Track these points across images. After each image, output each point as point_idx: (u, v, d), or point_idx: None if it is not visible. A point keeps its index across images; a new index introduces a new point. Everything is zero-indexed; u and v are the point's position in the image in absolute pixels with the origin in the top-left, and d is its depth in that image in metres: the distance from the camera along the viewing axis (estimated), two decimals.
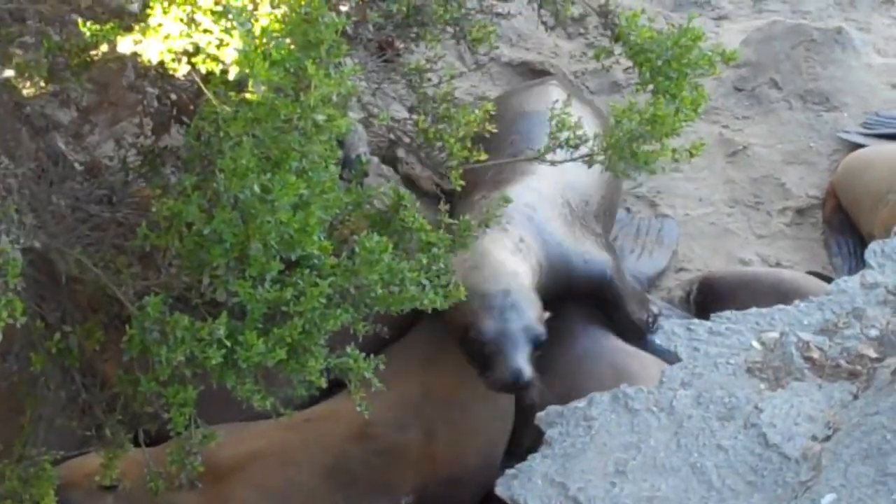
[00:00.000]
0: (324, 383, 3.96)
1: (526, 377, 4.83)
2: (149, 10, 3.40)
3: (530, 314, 5.14)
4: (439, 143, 5.00)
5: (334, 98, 3.68)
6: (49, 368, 4.10)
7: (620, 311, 5.83)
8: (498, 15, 5.61)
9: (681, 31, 4.66)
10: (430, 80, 5.24)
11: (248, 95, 3.59)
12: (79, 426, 4.24)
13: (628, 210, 6.80)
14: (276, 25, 3.42)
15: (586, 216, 5.93)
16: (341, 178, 4.24)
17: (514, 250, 5.40)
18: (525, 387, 4.93)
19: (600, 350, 5.76)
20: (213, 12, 3.36)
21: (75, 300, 4.12)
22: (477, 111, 5.05)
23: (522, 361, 4.88)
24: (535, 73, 7.45)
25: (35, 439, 4.14)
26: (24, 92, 3.67)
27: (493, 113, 4.99)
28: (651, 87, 4.64)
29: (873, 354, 4.68)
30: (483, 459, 5.53)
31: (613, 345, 5.78)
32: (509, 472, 4.52)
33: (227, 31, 3.36)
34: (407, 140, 5.22)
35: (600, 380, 5.29)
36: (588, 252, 5.77)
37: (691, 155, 4.86)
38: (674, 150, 4.77)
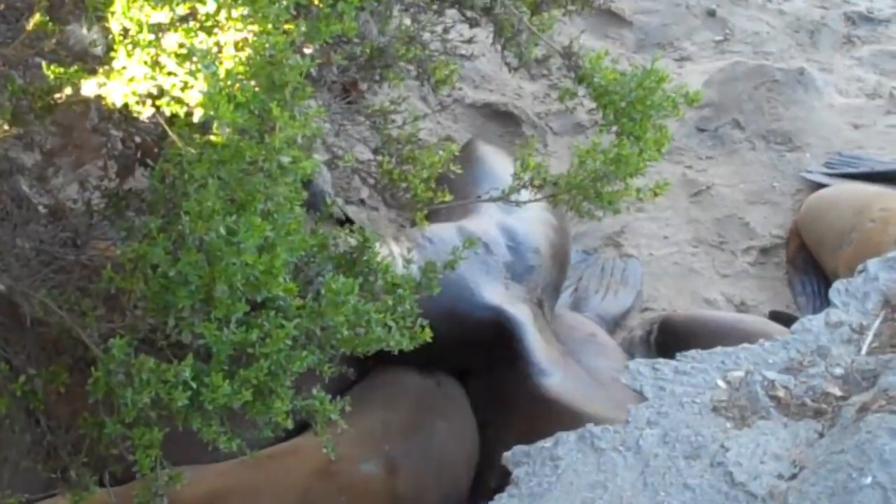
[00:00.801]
0: (290, 424, 3.97)
1: None
2: (112, 53, 3.41)
3: None
4: (404, 184, 5.02)
5: (299, 140, 3.70)
6: (14, 411, 4.10)
7: None
8: (461, 56, 5.64)
9: (644, 73, 4.68)
10: (393, 121, 5.26)
11: (212, 137, 3.60)
12: (44, 469, 4.24)
13: (595, 251, 6.81)
14: (241, 68, 3.43)
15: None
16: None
17: None
18: None
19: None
20: (177, 55, 3.37)
21: (40, 342, 4.13)
22: (441, 152, 5.08)
23: None
24: (498, 114, 7.49)
25: (0, 482, 4.13)
26: None
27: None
28: (615, 128, 4.66)
29: (838, 393, 4.70)
30: (445, 495, 5.54)
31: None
32: None
33: (191, 73, 3.37)
34: (371, 181, 5.23)
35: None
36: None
37: (655, 194, 4.90)
38: (638, 190, 4.82)
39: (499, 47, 5.25)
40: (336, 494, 5.30)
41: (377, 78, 5.16)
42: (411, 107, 5.39)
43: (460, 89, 6.90)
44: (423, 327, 4.28)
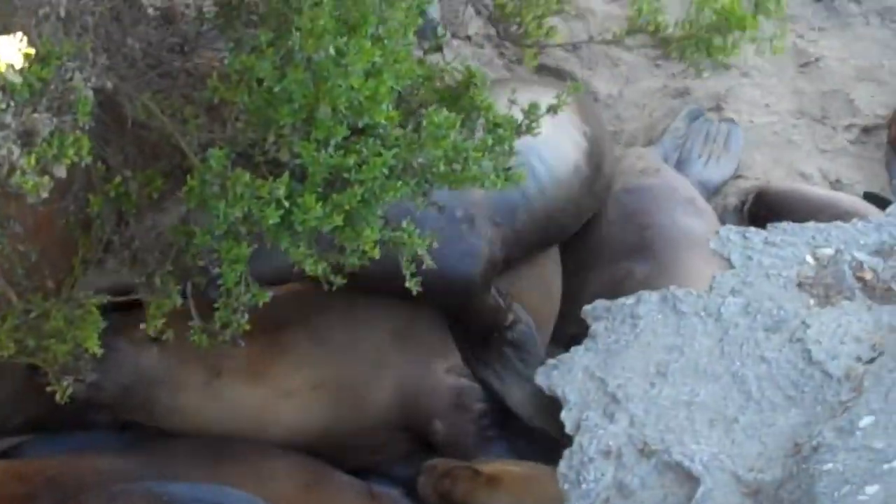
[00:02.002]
0: (377, 254, 3.98)
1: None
2: None
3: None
4: (517, 19, 5.00)
5: None
6: (105, 211, 4.12)
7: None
8: None
9: None
10: None
11: None
12: (129, 272, 4.26)
13: (704, 116, 6.74)
14: None
15: None
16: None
17: None
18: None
19: None
20: None
21: (139, 146, 4.14)
22: None
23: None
24: None
25: (84, 282, 4.17)
26: None
27: None
28: None
29: None
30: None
31: None
32: (550, 362, 4.54)
33: None
34: (485, 13, 5.20)
35: None
36: None
37: (774, 52, 4.85)
38: (754, 39, 4.75)
39: None
40: (430, 323, 5.36)
41: None
42: None
43: None
44: (519, 169, 4.27)
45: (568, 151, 5.48)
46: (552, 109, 4.60)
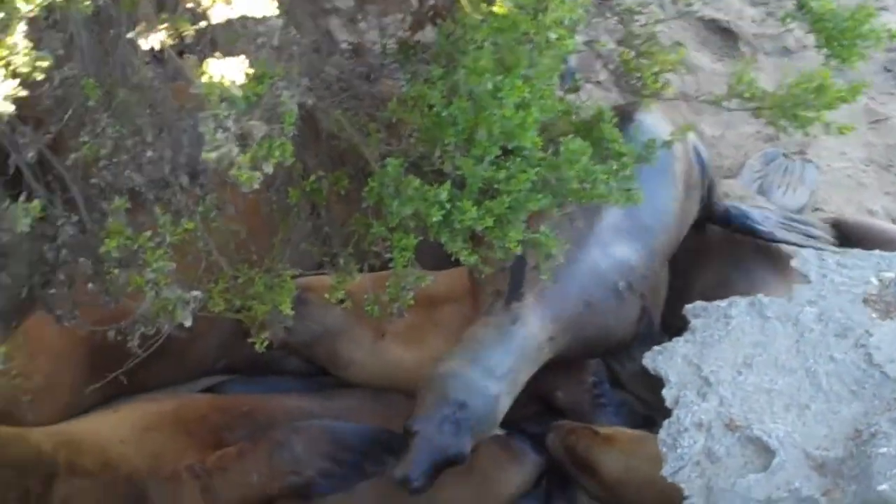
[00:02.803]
0: (519, 250, 3.97)
1: (412, 485, 4.46)
2: None
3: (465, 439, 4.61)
4: (637, 74, 4.96)
5: (566, 21, 3.65)
6: (301, 203, 4.17)
7: None
8: None
9: (857, 7, 4.56)
10: (637, 20, 5.15)
11: (495, 8, 3.57)
12: (317, 252, 4.31)
13: (785, 155, 6.68)
14: None
15: None
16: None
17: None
18: (409, 490, 4.51)
19: None
20: None
21: (330, 152, 4.19)
22: (673, 55, 5.00)
23: (420, 471, 4.49)
24: (721, 30, 7.35)
25: (282, 256, 4.21)
26: None
27: None
28: (825, 51, 4.52)
29: None
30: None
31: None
32: (656, 348, 4.51)
33: None
34: (611, 67, 5.16)
35: None
36: None
37: (841, 132, 4.79)
38: (828, 124, 4.69)
39: None
40: None
41: None
42: (652, 11, 5.27)
43: (692, 4, 6.74)
44: (637, 192, 4.25)
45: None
46: (667, 145, 4.57)
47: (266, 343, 4.12)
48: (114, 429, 4.79)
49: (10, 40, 2.93)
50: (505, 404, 4.72)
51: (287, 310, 4.06)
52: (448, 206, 3.81)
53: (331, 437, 4.72)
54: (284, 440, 4.68)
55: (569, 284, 4.88)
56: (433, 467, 4.48)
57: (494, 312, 4.81)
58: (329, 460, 4.67)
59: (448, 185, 3.82)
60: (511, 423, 5.22)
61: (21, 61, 2.96)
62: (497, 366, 4.68)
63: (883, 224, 6.36)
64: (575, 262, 4.83)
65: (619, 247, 4.99)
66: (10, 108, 2.95)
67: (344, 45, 4.38)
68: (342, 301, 4.21)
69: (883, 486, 3.79)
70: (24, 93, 2.97)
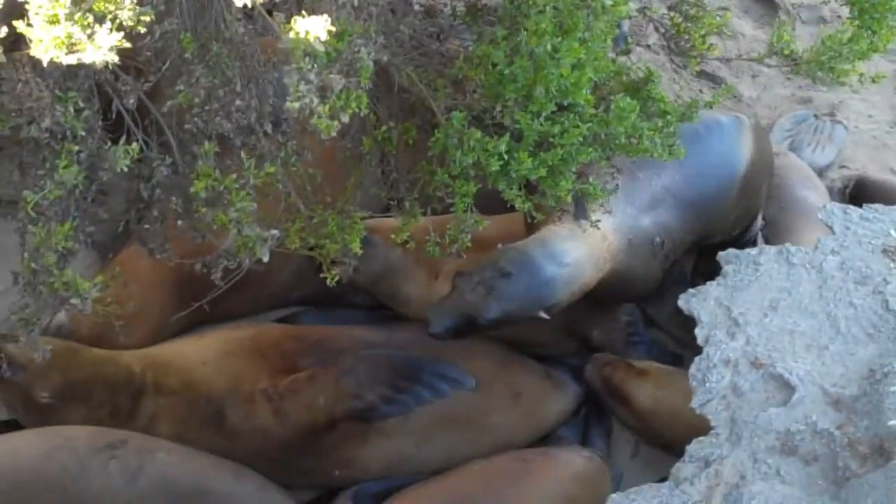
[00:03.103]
0: (569, 199, 3.99)
1: (430, 331, 4.45)
2: None
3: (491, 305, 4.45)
4: (686, 36, 4.96)
5: None
6: (373, 150, 4.19)
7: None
8: None
9: None
10: None
11: None
12: (386, 196, 4.33)
13: (816, 116, 6.65)
14: None
15: None
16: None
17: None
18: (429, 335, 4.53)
19: None
20: None
21: (400, 105, 4.19)
22: (719, 18, 5.00)
23: (440, 323, 4.47)
24: (762, 0, 7.30)
25: (353, 199, 4.23)
26: None
27: None
28: (857, 22, 4.51)
29: None
30: None
31: None
32: (691, 290, 4.52)
33: None
34: (662, 31, 5.16)
35: None
36: None
37: (873, 81, 4.80)
38: (861, 74, 4.68)
39: None
40: None
41: None
42: None
43: None
44: (679, 146, 4.25)
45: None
46: (709, 105, 4.58)
47: (336, 278, 4.16)
48: (197, 353, 4.84)
49: None
50: (557, 293, 4.52)
51: (356, 248, 4.09)
52: (506, 156, 3.83)
53: (391, 366, 4.75)
54: (350, 368, 4.71)
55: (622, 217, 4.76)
56: (454, 322, 4.44)
57: (564, 221, 4.58)
58: (389, 387, 4.70)
59: (507, 137, 3.83)
60: (552, 357, 5.29)
61: (126, 15, 3.00)
62: (564, 254, 4.49)
63: None
64: (628, 204, 4.77)
65: (664, 210, 4.92)
66: (114, 58, 2.99)
67: (417, 7, 4.37)
68: (406, 242, 4.23)
69: (893, 422, 3.79)
70: (127, 44, 3.00)
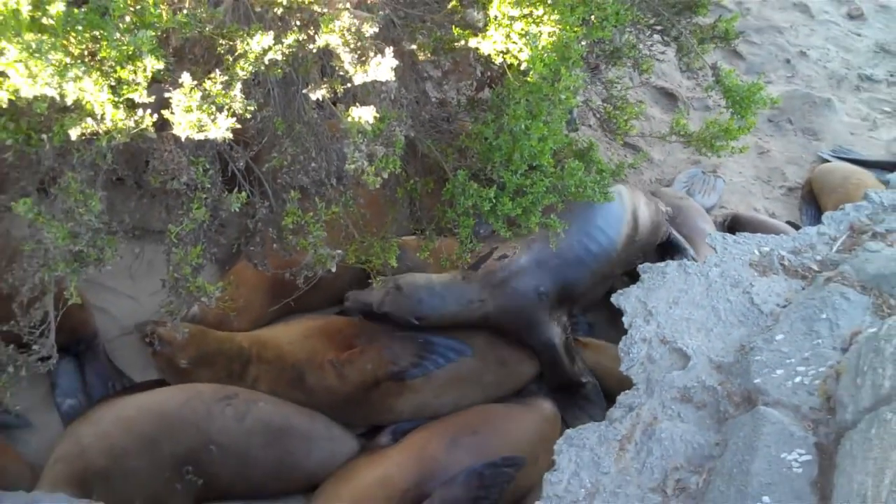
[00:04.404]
0: (537, 229, 3.97)
1: (346, 307, 4.76)
2: (487, 27, 3.38)
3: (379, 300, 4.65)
4: (615, 121, 4.96)
5: (571, 88, 3.65)
6: (404, 197, 4.18)
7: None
8: (656, 59, 5.42)
9: (751, 84, 4.53)
10: (615, 87, 5.14)
11: (528, 79, 3.57)
12: (413, 227, 4.31)
13: (703, 172, 6.65)
14: (549, 46, 3.37)
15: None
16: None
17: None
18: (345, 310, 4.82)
19: None
20: (519, 34, 3.33)
21: (423, 166, 4.20)
22: (637, 108, 5.00)
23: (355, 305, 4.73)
24: (667, 94, 7.30)
25: (390, 230, 4.22)
26: (420, 57, 3.69)
27: None
28: (731, 109, 4.51)
29: (816, 268, 4.54)
30: None
31: None
32: (619, 291, 4.50)
33: (525, 44, 3.32)
34: (598, 116, 5.15)
35: None
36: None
37: (741, 151, 4.78)
38: (732, 148, 4.68)
39: (676, 58, 5.07)
40: None
41: (611, 63, 5.04)
42: (624, 82, 5.25)
43: (650, 77, 6.71)
44: (611, 195, 4.24)
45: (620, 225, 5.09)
46: (631, 166, 4.57)
47: (380, 283, 4.17)
48: (286, 335, 4.84)
49: (231, 93, 2.98)
50: (425, 311, 4.60)
51: (393, 263, 4.09)
52: (494, 200, 3.84)
53: (417, 342, 4.76)
54: (388, 344, 4.73)
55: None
56: (360, 305, 4.71)
57: (454, 270, 4.62)
58: (416, 356, 4.71)
59: (494, 187, 3.84)
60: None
61: (237, 106, 3.01)
62: (436, 287, 4.56)
63: (763, 217, 6.32)
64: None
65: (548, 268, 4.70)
66: (229, 135, 3.01)
67: (433, 99, 4.37)
68: (426, 258, 4.23)
69: (757, 380, 3.77)
70: (238, 125, 3.02)
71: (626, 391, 4.09)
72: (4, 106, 2.77)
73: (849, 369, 3.55)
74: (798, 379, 3.78)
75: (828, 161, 6.99)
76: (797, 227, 5.88)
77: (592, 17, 3.62)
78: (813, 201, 6.59)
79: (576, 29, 3.44)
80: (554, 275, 4.66)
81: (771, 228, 5.71)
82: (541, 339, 4.77)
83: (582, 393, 4.94)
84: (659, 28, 4.91)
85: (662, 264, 4.61)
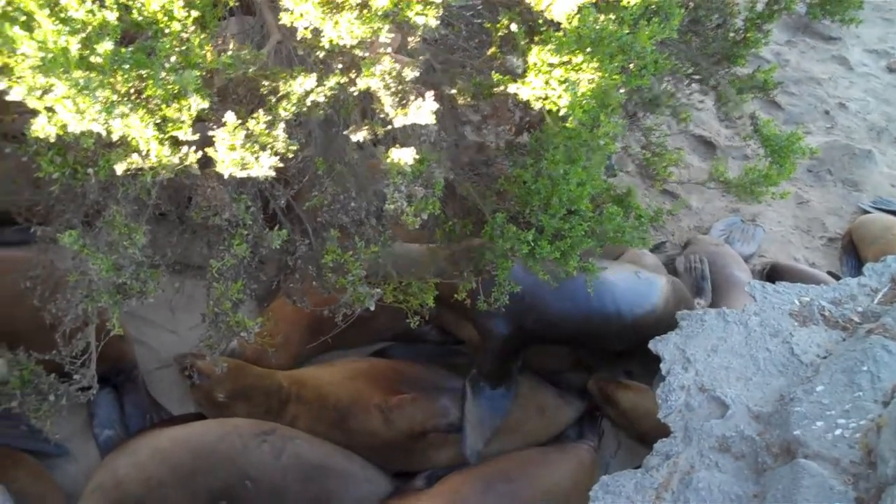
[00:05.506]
0: (574, 274, 3.91)
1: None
2: (526, 74, 3.35)
3: None
4: (653, 166, 4.90)
5: (610, 134, 3.60)
6: (443, 238, 4.15)
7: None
8: (694, 108, 5.38)
9: (790, 133, 4.46)
10: (654, 133, 5.09)
11: (567, 124, 3.53)
12: (451, 269, 4.26)
13: (742, 220, 6.56)
14: (589, 93, 3.33)
15: None
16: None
17: None
18: None
19: None
20: (559, 81, 3.29)
21: (462, 208, 4.16)
22: (675, 155, 4.95)
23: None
24: (706, 142, 7.24)
25: (429, 270, 4.20)
26: (459, 101, 3.67)
27: None
28: (770, 159, 4.44)
29: (857, 320, 4.44)
30: None
31: None
32: (658, 337, 4.43)
33: (565, 90, 3.28)
34: (636, 162, 5.11)
35: None
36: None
37: (781, 198, 4.70)
38: (773, 194, 4.60)
39: (714, 107, 5.01)
40: None
41: (649, 110, 5.00)
42: (663, 129, 5.21)
43: (688, 125, 6.66)
44: (650, 239, 4.19)
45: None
46: (669, 212, 4.51)
47: (417, 323, 4.13)
48: (328, 375, 4.82)
49: (274, 132, 2.97)
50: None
51: (431, 303, 4.06)
52: (532, 244, 3.78)
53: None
54: (439, 396, 4.71)
55: None
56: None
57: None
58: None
59: (533, 231, 3.78)
60: (558, 373, 5.27)
61: (280, 146, 3.01)
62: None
63: (803, 267, 6.24)
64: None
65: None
66: (271, 173, 3.00)
67: (473, 143, 4.36)
68: (464, 298, 4.19)
69: (796, 432, 3.68)
70: (280, 164, 3.01)
71: (663, 439, 4.00)
72: (52, 140, 2.78)
73: (890, 423, 3.44)
74: (838, 431, 3.67)
75: (868, 212, 6.88)
76: (837, 278, 5.78)
77: (631, 65, 3.57)
78: (853, 252, 6.47)
79: (615, 77, 3.39)
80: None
81: (811, 278, 5.61)
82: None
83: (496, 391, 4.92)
84: (697, 77, 4.87)
85: (701, 311, 4.54)
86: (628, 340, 4.92)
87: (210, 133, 2.94)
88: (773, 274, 5.97)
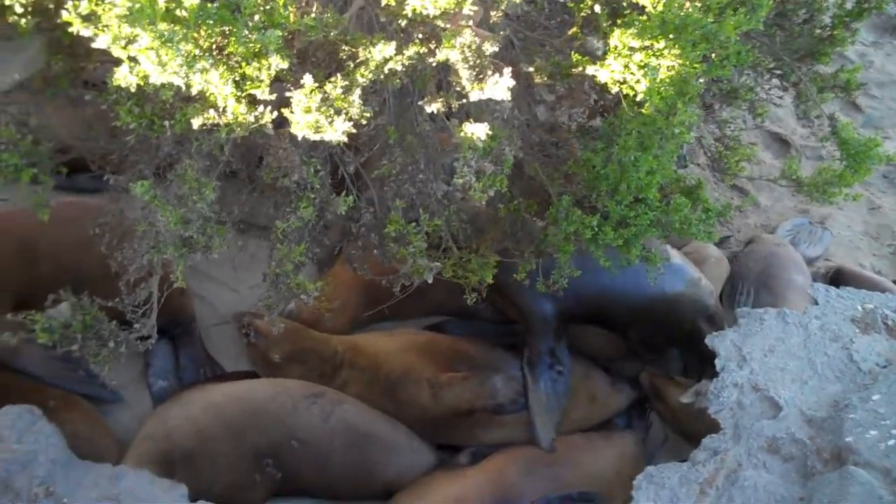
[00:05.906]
0: (636, 262, 3.87)
1: None
2: (606, 56, 3.31)
3: None
4: (725, 160, 4.82)
5: (686, 123, 3.55)
6: (508, 216, 4.13)
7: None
8: (773, 103, 5.27)
9: (868, 138, 4.35)
10: (728, 127, 5.00)
11: (643, 110, 3.49)
12: (512, 248, 4.24)
13: (810, 222, 6.44)
14: (668, 79, 3.28)
15: None
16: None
17: None
18: None
19: None
20: (638, 65, 3.24)
21: (529, 188, 4.14)
22: (749, 150, 4.86)
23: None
24: (780, 139, 7.09)
25: (490, 247, 4.18)
26: (536, 80, 3.64)
27: None
28: (845, 162, 4.33)
29: None
30: None
31: None
32: (715, 333, 4.39)
33: (643, 75, 3.24)
34: (708, 154, 5.03)
35: None
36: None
37: (853, 199, 4.61)
38: (845, 195, 4.50)
39: (793, 105, 4.91)
40: None
41: (727, 102, 4.91)
42: (738, 123, 5.11)
43: (764, 121, 6.52)
44: (716, 233, 4.11)
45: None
46: (738, 208, 4.43)
47: (474, 299, 4.12)
48: (384, 344, 4.83)
49: (350, 98, 2.98)
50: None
51: (489, 280, 4.04)
52: (596, 229, 3.75)
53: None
54: (490, 377, 4.71)
55: None
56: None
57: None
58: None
59: (598, 216, 3.76)
60: (611, 360, 5.21)
61: (354, 111, 3.02)
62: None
63: (869, 273, 6.09)
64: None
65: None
66: (344, 138, 3.01)
67: (545, 123, 4.33)
68: (523, 279, 4.16)
69: (849, 439, 3.64)
70: (353, 130, 3.02)
71: (712, 434, 3.97)
72: (132, 90, 2.82)
73: None
74: (892, 442, 3.62)
75: None
76: None
77: (713, 54, 3.50)
78: None
79: (696, 65, 3.33)
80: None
81: (876, 286, 5.48)
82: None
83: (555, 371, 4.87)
84: (779, 73, 4.76)
85: (762, 311, 4.48)
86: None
87: (287, 94, 2.96)
88: (837, 278, 5.84)
